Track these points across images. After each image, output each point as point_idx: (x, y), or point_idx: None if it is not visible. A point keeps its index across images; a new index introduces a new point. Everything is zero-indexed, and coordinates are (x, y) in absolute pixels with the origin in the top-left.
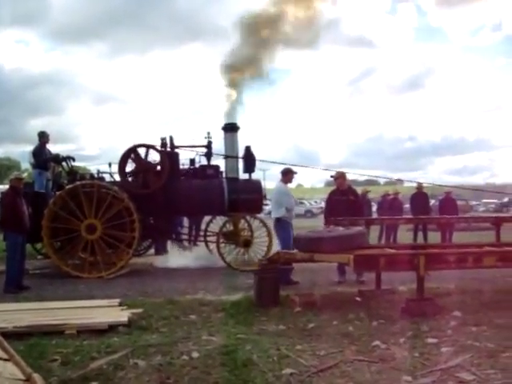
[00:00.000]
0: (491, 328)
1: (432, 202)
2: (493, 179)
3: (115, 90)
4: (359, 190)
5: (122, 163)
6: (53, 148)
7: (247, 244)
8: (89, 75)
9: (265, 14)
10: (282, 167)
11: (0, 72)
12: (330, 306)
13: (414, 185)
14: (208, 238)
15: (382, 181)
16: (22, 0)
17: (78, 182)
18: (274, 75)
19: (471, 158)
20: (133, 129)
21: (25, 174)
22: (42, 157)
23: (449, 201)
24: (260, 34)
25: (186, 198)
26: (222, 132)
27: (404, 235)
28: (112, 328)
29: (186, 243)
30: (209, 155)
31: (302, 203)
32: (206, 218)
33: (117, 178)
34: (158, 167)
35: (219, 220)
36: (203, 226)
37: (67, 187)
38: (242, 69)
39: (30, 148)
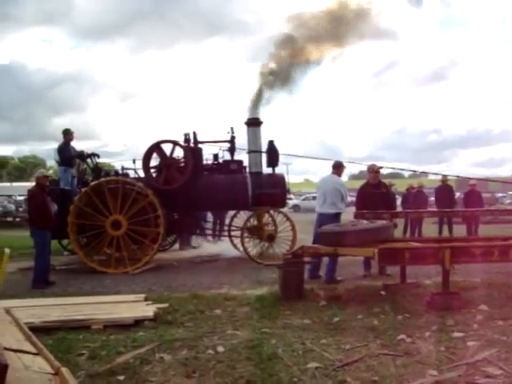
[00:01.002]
0: None
1: (457, 194)
2: None
3: (139, 86)
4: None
5: (146, 159)
6: (77, 145)
7: (271, 238)
8: (112, 72)
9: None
10: (306, 161)
11: (25, 71)
12: (354, 300)
13: (439, 177)
14: (232, 233)
15: (406, 174)
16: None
17: (102, 179)
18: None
19: (497, 149)
20: (156, 124)
21: (50, 172)
22: (66, 154)
23: (474, 193)
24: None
25: (210, 193)
26: (245, 127)
27: (429, 228)
28: (138, 323)
29: (210, 238)
30: (232, 150)
31: None
32: (230, 213)
33: (141, 174)
34: (182, 163)
35: (243, 215)
36: (227, 221)
37: (92, 184)
38: (281, 75)
39: (55, 145)
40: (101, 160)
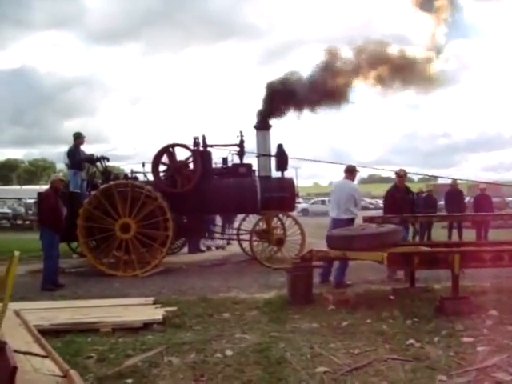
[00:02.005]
0: None
1: (467, 198)
2: None
3: (149, 89)
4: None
5: (155, 163)
6: (87, 148)
7: (280, 242)
8: (123, 75)
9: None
10: (315, 165)
11: (36, 74)
12: (363, 304)
13: (449, 181)
14: (241, 237)
15: (416, 178)
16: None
17: (112, 182)
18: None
19: (507, 153)
20: (166, 128)
21: (60, 175)
22: (76, 157)
23: (484, 197)
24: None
25: (219, 196)
26: (255, 130)
27: (439, 232)
28: (146, 326)
29: (219, 242)
30: (241, 154)
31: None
32: (239, 217)
33: (150, 177)
34: (191, 166)
35: (252, 218)
36: (236, 225)
37: (101, 187)
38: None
39: (65, 149)
40: (110, 163)
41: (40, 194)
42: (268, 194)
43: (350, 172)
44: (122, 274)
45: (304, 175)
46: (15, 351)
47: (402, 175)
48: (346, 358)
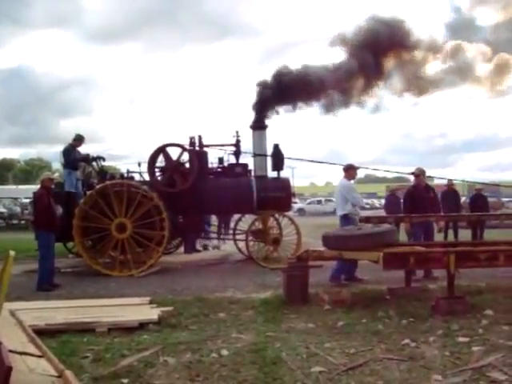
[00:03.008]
0: None
1: (463, 199)
2: None
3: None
4: (384, 187)
5: (151, 162)
6: (84, 148)
7: (276, 242)
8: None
9: None
10: (311, 165)
11: (32, 73)
12: (359, 304)
13: (445, 182)
14: (237, 237)
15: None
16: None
17: (107, 182)
18: None
19: (504, 154)
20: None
21: (56, 174)
22: (71, 157)
23: (479, 198)
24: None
25: (215, 196)
26: (251, 130)
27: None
28: (142, 326)
29: (215, 241)
30: (237, 154)
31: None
32: (235, 217)
33: (146, 177)
34: (187, 166)
35: (248, 218)
36: (232, 225)
37: (97, 187)
38: None
39: (61, 148)
40: (106, 163)
41: (35, 194)
42: (264, 193)
43: (346, 170)
44: (118, 273)
45: (300, 175)
46: (10, 351)
47: (417, 174)
48: (341, 357)
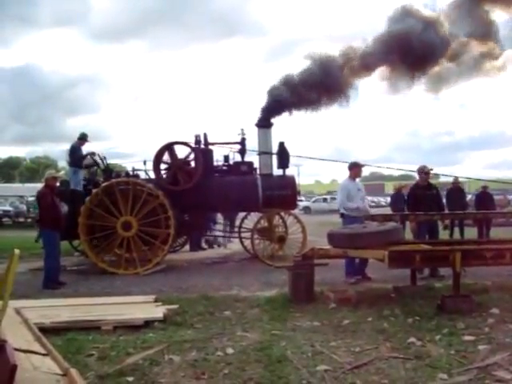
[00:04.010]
0: None
1: (469, 196)
2: None
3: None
4: (392, 185)
5: (157, 161)
6: (90, 146)
7: (282, 240)
8: (127, 73)
9: None
10: (317, 163)
11: (39, 72)
12: (364, 303)
13: (451, 179)
14: (242, 235)
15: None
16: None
17: (113, 180)
18: None
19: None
20: (168, 126)
21: (62, 172)
22: (77, 155)
23: (486, 195)
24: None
25: (221, 194)
26: (256, 128)
27: (440, 230)
28: (148, 324)
29: (220, 239)
30: (243, 152)
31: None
32: (241, 215)
33: (152, 175)
34: (193, 164)
35: (254, 216)
36: (238, 223)
37: (103, 185)
38: None
39: (68, 146)
40: (112, 161)
41: (38, 193)
42: (269, 191)
43: (350, 169)
44: (124, 271)
45: (306, 173)
46: (15, 349)
47: (421, 173)
48: (346, 356)
